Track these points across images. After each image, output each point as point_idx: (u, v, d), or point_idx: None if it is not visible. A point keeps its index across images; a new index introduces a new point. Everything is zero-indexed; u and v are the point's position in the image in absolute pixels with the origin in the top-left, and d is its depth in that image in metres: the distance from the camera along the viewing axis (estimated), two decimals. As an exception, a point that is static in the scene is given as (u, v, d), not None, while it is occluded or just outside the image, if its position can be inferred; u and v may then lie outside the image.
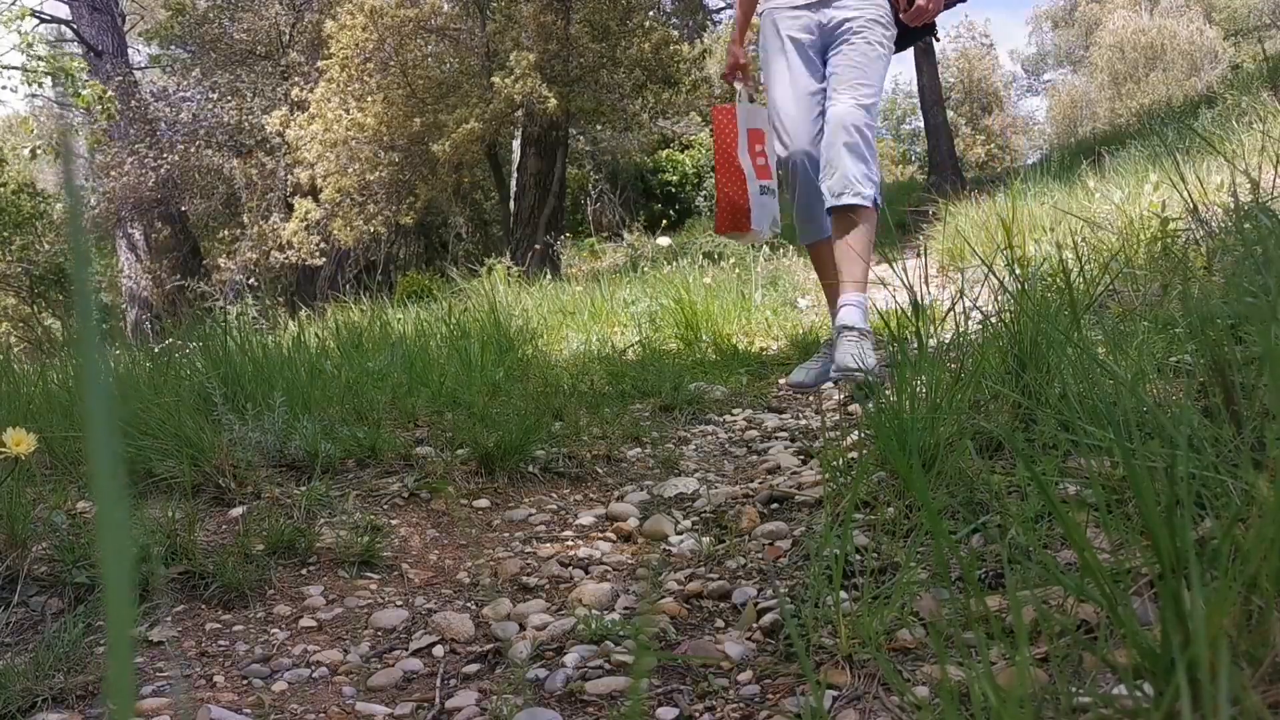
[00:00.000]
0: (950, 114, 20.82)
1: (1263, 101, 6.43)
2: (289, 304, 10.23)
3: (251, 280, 10.52)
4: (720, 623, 1.27)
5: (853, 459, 1.69)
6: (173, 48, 14.75)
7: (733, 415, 2.59)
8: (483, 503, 1.84)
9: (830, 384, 2.71)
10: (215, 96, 13.82)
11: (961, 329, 1.75)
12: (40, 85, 10.70)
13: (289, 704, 1.11)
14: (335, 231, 11.33)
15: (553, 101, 9.92)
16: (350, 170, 10.92)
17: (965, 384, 1.56)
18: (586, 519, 1.77)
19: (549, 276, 7.48)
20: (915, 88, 15.47)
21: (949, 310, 1.84)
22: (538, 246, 10.22)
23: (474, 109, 10.17)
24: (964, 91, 33.08)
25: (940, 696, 0.76)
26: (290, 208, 12.56)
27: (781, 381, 3.06)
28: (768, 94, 2.89)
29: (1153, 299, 2.02)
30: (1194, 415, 1.05)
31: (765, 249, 6.22)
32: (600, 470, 2.04)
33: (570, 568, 1.53)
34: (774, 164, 2.95)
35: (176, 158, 13.20)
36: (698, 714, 1.02)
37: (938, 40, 3.22)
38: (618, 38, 10.84)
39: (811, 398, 2.77)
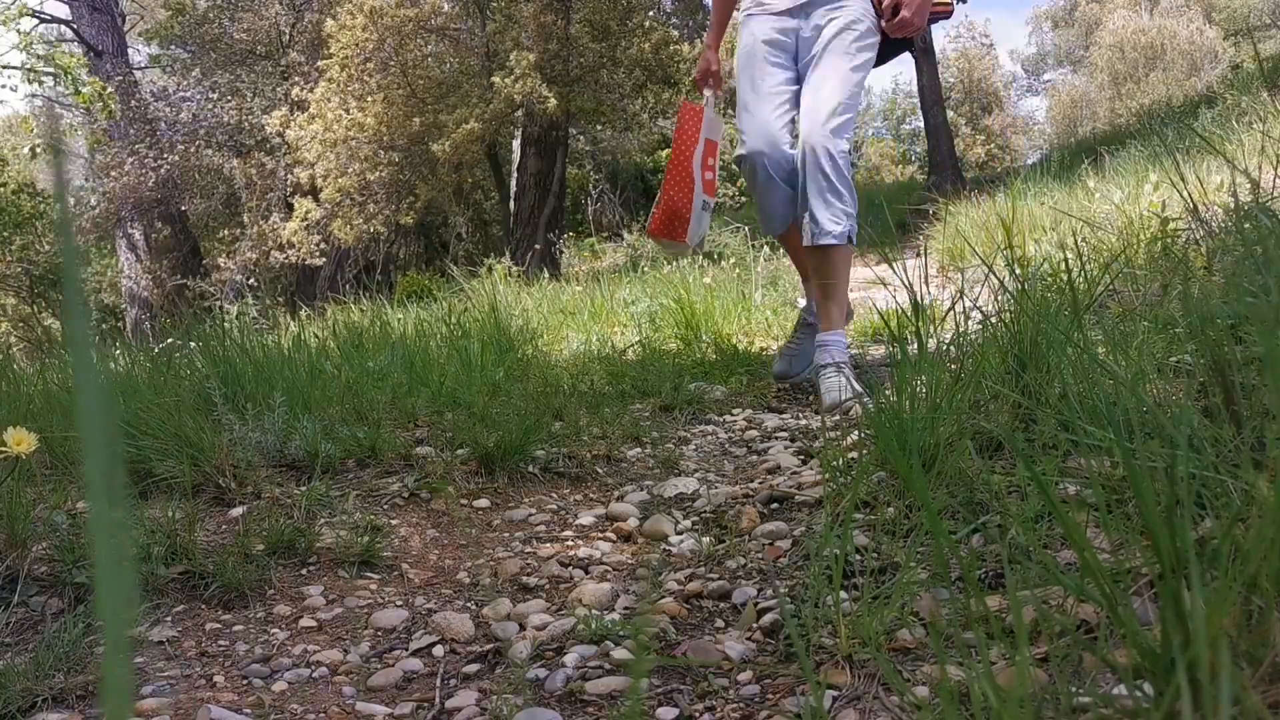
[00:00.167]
0: (950, 114, 20.83)
1: (1262, 101, 6.43)
2: (289, 304, 10.22)
3: (251, 280, 10.54)
4: (720, 623, 1.27)
5: (853, 459, 1.69)
6: (173, 48, 14.77)
7: (733, 415, 2.59)
8: (483, 503, 1.84)
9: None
10: (215, 96, 13.84)
11: (961, 329, 1.75)
12: (41, 84, 10.72)
13: (289, 704, 1.11)
14: (335, 231, 11.34)
15: (553, 101, 9.93)
16: (350, 170, 10.93)
17: (965, 384, 1.56)
18: (586, 519, 1.77)
19: (549, 276, 7.49)
20: (915, 88, 15.47)
21: (949, 310, 1.84)
22: (538, 246, 10.24)
23: (474, 109, 10.18)
24: (964, 91, 33.13)
25: (940, 696, 0.76)
26: (290, 208, 12.57)
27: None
28: (736, 94, 2.86)
29: (1153, 299, 2.02)
30: (1194, 415, 1.05)
31: (765, 249, 6.22)
32: (600, 470, 2.04)
33: (570, 568, 1.53)
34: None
35: (176, 158, 13.22)
36: (698, 714, 1.02)
37: (914, 54, 3.20)
38: (618, 38, 10.86)
39: (811, 398, 2.77)
